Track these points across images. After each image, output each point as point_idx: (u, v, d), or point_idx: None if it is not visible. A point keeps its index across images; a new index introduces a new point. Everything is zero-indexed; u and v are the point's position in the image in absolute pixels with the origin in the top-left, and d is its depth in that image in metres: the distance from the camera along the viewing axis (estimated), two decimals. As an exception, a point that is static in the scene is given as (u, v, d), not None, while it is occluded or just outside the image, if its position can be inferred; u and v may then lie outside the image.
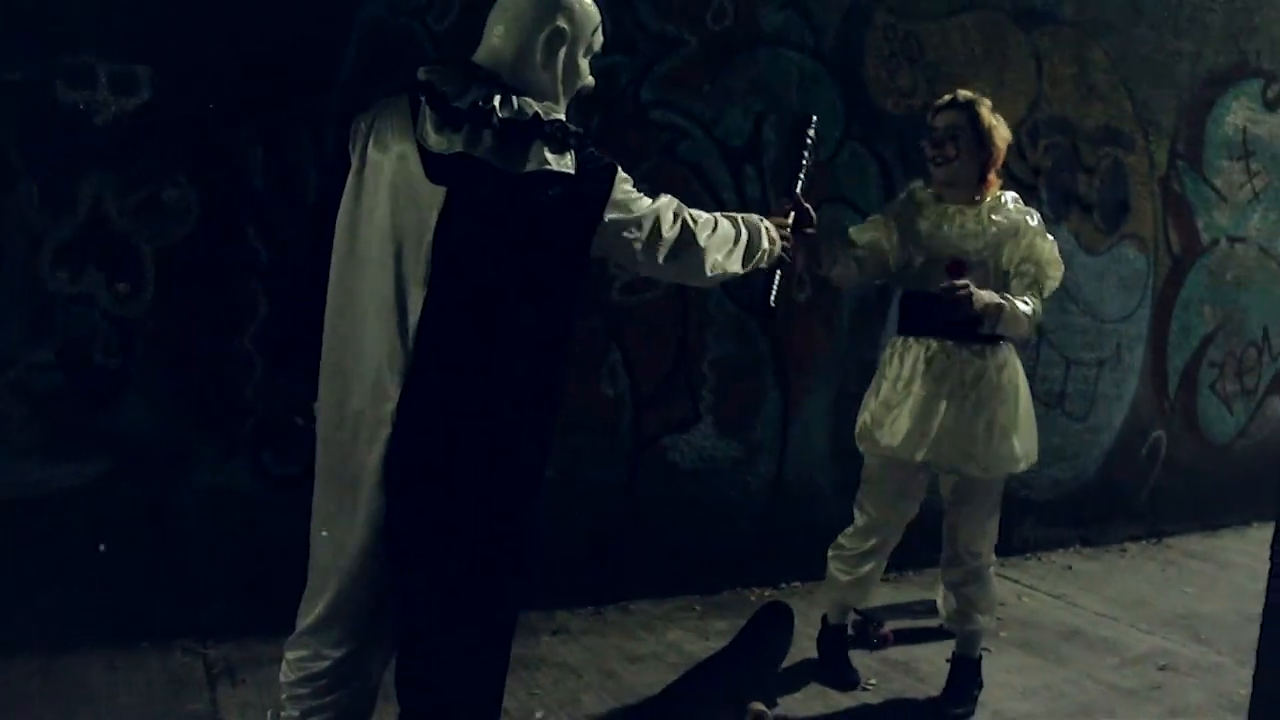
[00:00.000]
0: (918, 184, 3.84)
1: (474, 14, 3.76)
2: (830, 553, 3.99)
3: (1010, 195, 3.72)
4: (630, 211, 2.55)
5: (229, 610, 3.98)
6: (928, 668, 4.12)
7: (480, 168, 2.40)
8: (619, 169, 2.55)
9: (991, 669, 4.16)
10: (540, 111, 2.45)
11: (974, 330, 3.58)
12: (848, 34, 4.86)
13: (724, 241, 2.75)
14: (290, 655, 2.68)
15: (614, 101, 4.39)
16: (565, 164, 2.42)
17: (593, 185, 2.48)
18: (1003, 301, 3.50)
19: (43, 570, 3.76)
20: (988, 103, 3.68)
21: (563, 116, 2.53)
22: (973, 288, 3.42)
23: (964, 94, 3.69)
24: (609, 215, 2.50)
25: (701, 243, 2.67)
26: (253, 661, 3.81)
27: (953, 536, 3.83)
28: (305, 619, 2.67)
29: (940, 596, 3.99)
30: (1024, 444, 3.74)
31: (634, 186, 2.59)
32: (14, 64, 3.57)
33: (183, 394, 3.89)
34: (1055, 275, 3.74)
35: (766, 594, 4.84)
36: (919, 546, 4.23)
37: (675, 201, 2.67)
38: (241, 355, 3.94)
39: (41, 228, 3.67)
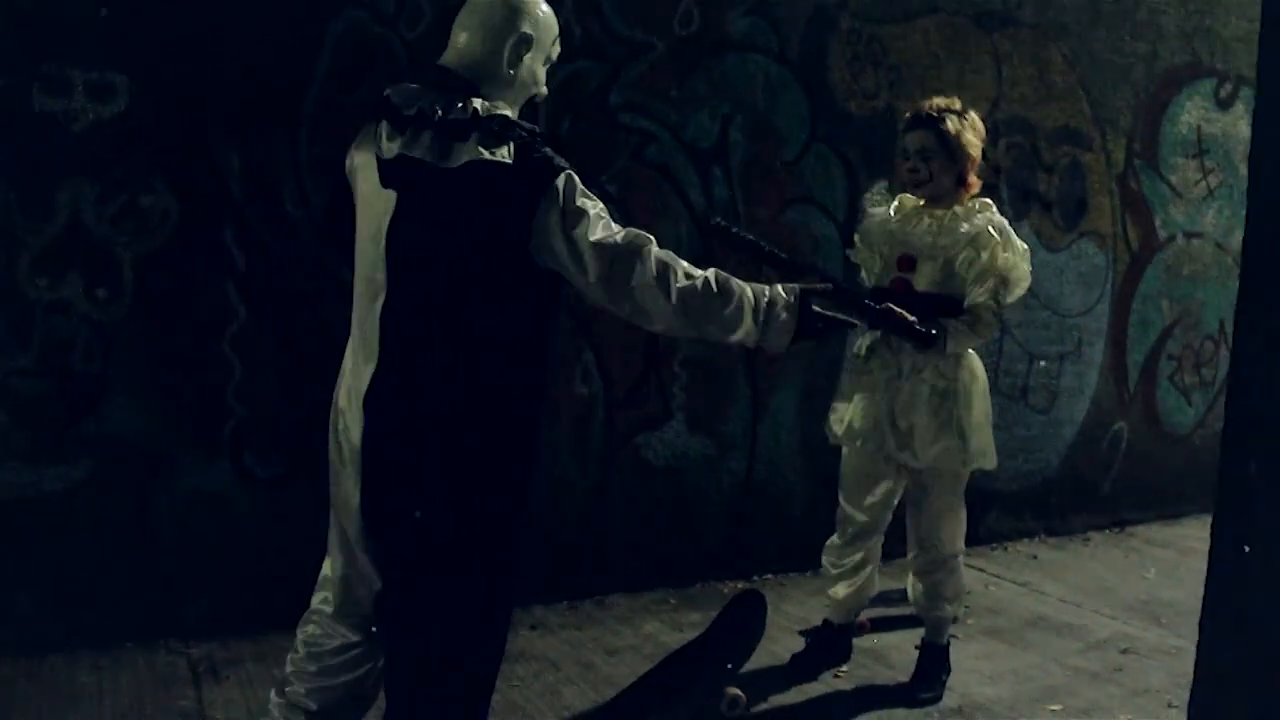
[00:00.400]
0: (901, 193, 3.90)
1: (444, 22, 3.87)
2: (824, 559, 4.09)
3: (983, 202, 3.78)
4: (577, 221, 2.40)
5: (212, 610, 4.04)
6: (898, 655, 4.22)
7: (419, 168, 2.45)
8: (569, 174, 2.43)
9: (959, 655, 4.27)
10: (479, 109, 2.46)
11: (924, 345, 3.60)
12: (812, 38, 4.96)
13: (707, 299, 2.52)
14: (301, 633, 2.73)
15: (583, 105, 4.49)
16: (501, 155, 2.40)
17: (529, 178, 2.39)
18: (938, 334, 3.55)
19: (29, 573, 3.81)
20: (955, 109, 3.70)
21: (509, 114, 2.53)
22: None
23: (929, 108, 3.71)
24: (550, 216, 2.39)
25: (671, 290, 2.48)
26: (236, 660, 3.88)
27: (916, 526, 3.92)
28: (317, 597, 2.72)
29: (909, 584, 4.08)
30: (980, 441, 3.79)
31: (608, 218, 2.48)
32: (-8, 74, 3.63)
33: (164, 397, 3.95)
34: (1020, 285, 3.77)
35: (739, 586, 4.91)
36: (889, 537, 4.33)
37: (653, 244, 2.49)
38: (221, 359, 4.00)
39: (20, 235, 3.73)
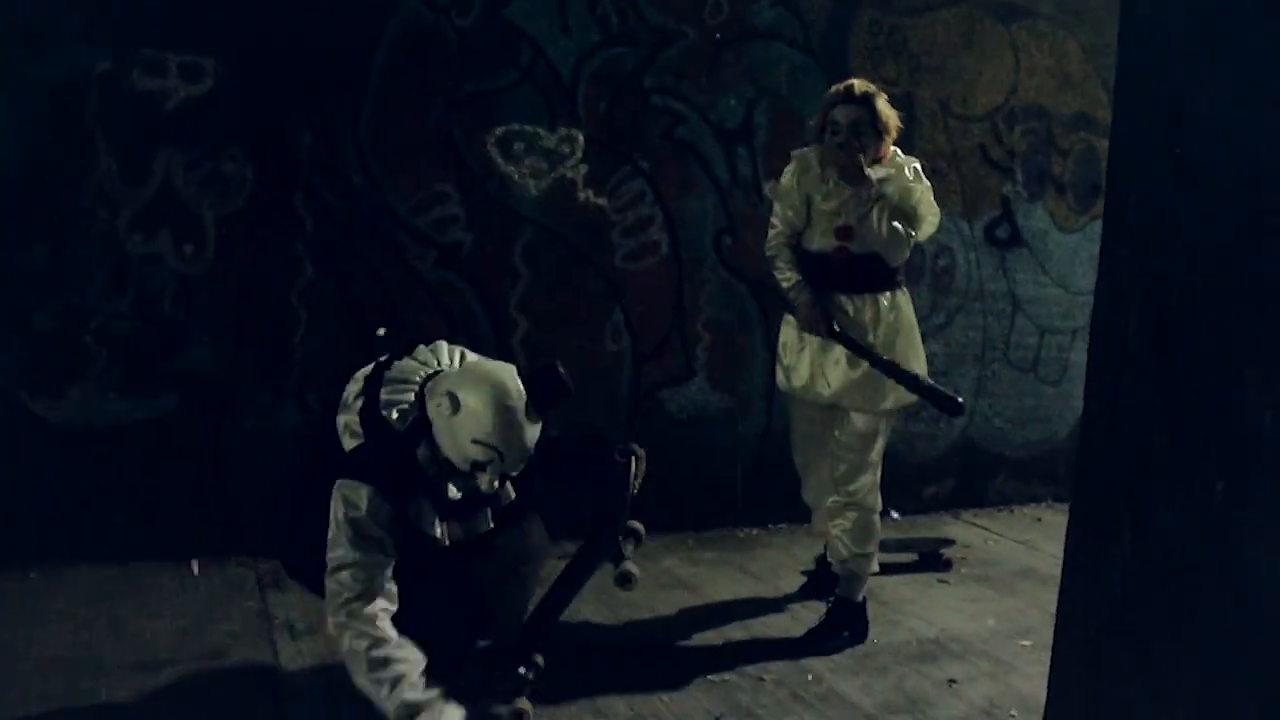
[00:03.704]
0: (808, 152, 4.08)
1: (493, 11, 4.42)
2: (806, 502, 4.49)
3: (899, 155, 4.00)
4: None
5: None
6: (889, 594, 4.62)
7: None
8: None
9: (948, 597, 4.69)
10: None
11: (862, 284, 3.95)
12: (834, 29, 5.35)
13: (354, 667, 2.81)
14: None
15: (619, 88, 4.94)
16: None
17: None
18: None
19: (122, 491, 4.37)
20: (883, 94, 3.97)
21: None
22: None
23: (860, 86, 3.92)
24: None
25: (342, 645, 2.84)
26: (297, 573, 4.41)
27: (835, 476, 4.15)
28: None
29: (830, 540, 4.26)
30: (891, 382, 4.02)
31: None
32: (100, 56, 4.17)
33: (239, 342, 4.49)
34: (930, 219, 4.01)
35: (754, 532, 5.38)
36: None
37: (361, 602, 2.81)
38: (289, 309, 4.53)
39: (120, 198, 4.28)
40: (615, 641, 4.02)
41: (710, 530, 5.34)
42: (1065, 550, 2.30)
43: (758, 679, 3.74)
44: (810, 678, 3.78)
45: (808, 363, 4.10)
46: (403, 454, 2.88)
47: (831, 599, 4.19)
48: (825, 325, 4.00)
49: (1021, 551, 5.43)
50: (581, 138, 4.90)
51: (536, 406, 2.94)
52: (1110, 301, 2.12)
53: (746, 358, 5.35)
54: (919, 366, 4.09)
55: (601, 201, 4.97)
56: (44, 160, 4.16)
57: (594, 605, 4.30)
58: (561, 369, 3.03)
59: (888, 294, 4.04)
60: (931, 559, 5.10)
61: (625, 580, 3.18)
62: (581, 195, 4.93)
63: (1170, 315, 1.93)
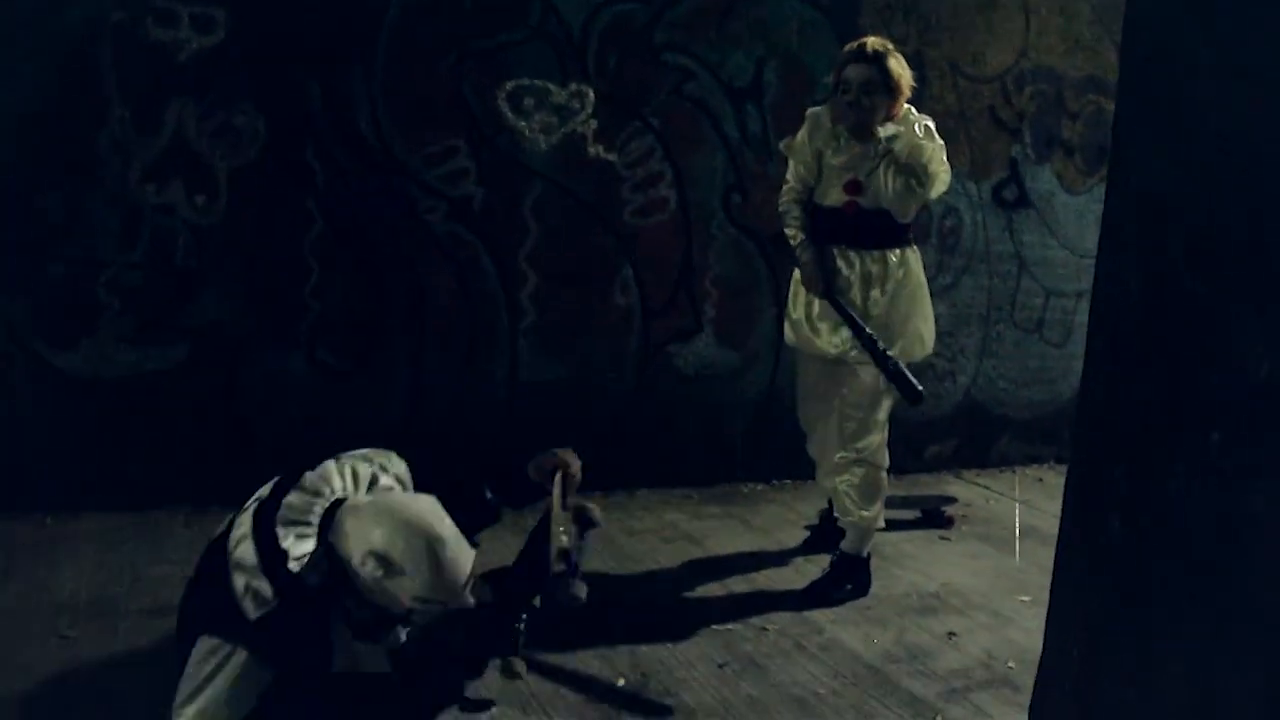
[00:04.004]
0: (820, 110, 4.10)
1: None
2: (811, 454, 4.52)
3: (911, 111, 4.01)
4: None
5: (288, 480, 4.63)
6: (891, 550, 4.68)
7: None
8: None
9: (949, 554, 4.75)
10: None
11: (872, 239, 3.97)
12: (845, -14, 5.36)
13: None
14: None
15: (629, 44, 4.94)
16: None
17: None
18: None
19: (135, 440, 4.43)
20: (896, 52, 3.96)
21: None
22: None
23: (872, 45, 3.92)
24: None
25: None
26: (308, 522, 4.47)
27: (840, 431, 4.15)
28: None
29: (833, 489, 4.27)
30: (915, 336, 4.10)
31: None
32: (114, 6, 4.18)
33: (250, 293, 4.53)
34: (942, 176, 3.99)
35: (758, 488, 5.43)
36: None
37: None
38: (300, 261, 4.56)
39: (132, 148, 4.30)
40: (620, 592, 4.08)
41: (714, 485, 5.39)
42: (1063, 501, 2.34)
43: (761, 629, 3.80)
44: (813, 628, 3.84)
45: (815, 318, 4.13)
46: (321, 619, 2.55)
47: (836, 553, 4.24)
48: (823, 286, 4.04)
49: (1022, 510, 5.48)
50: (591, 93, 4.91)
51: (470, 539, 2.67)
52: (1112, 254, 2.16)
53: (754, 315, 5.39)
54: (926, 326, 4.14)
55: (611, 157, 4.98)
56: (58, 110, 4.18)
57: (599, 557, 4.36)
58: (490, 493, 2.98)
59: (897, 251, 4.06)
60: (933, 516, 5.16)
61: (511, 675, 3.01)
62: (591, 151, 4.94)
63: (1170, 268, 1.96)
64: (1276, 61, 1.84)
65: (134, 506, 4.40)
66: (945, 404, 6.02)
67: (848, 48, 4.01)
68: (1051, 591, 2.38)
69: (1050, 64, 5.98)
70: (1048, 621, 2.40)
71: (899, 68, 3.92)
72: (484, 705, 3.03)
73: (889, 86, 3.89)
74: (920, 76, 5.32)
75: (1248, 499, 1.92)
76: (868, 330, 3.98)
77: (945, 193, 4.24)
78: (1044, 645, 2.40)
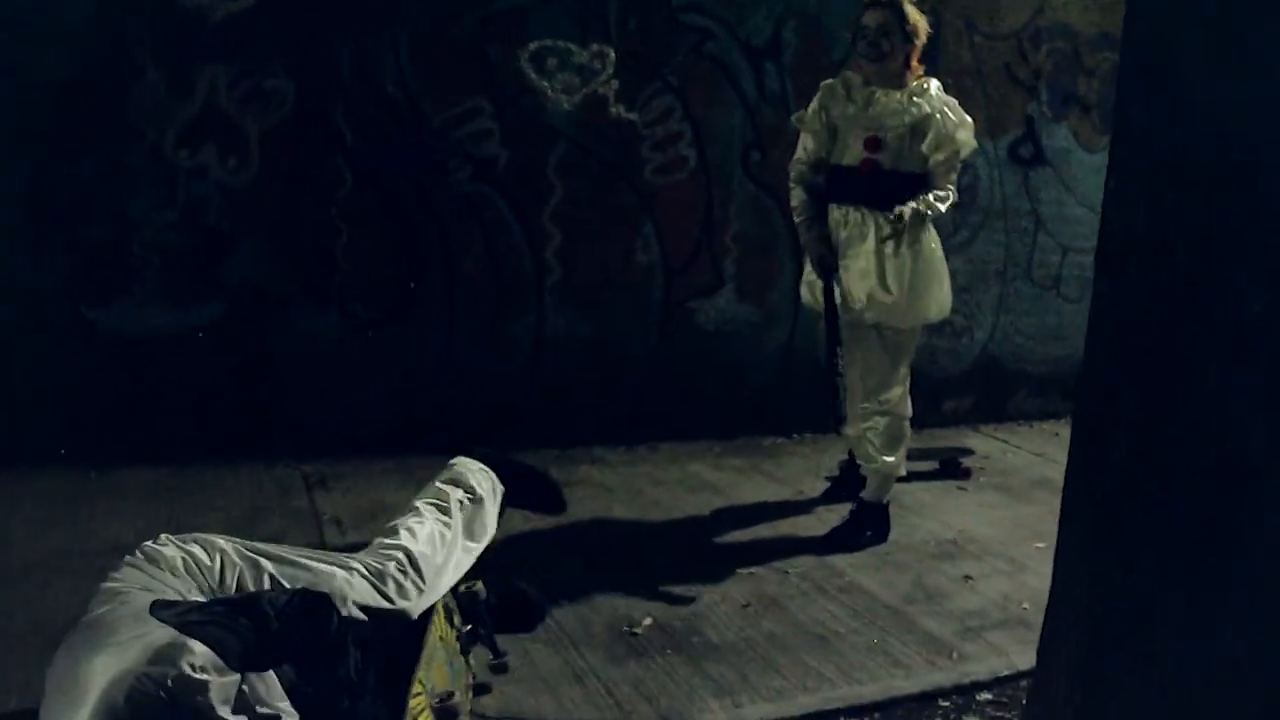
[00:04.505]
0: (834, 80, 4.18)
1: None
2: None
3: (934, 83, 4.11)
4: None
5: (320, 434, 4.77)
6: (909, 499, 4.79)
7: None
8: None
9: (966, 503, 4.86)
10: None
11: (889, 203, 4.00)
12: (864, -56, 5.39)
13: None
14: None
15: (649, 4, 5.02)
16: None
17: None
18: (914, 210, 3.93)
19: (172, 395, 4.57)
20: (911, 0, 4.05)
21: None
22: (906, 214, 3.87)
23: None
24: None
25: None
26: (340, 475, 4.61)
27: (864, 383, 4.24)
28: None
29: (856, 439, 4.38)
30: (933, 298, 4.16)
31: None
32: (147, -28, 4.29)
33: (283, 252, 4.65)
34: (968, 142, 4.07)
35: (779, 441, 5.54)
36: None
37: None
38: (330, 220, 4.67)
39: (167, 112, 4.41)
40: (645, 538, 4.20)
41: (736, 439, 5.50)
42: (1071, 435, 2.43)
43: (783, 572, 3.92)
44: (833, 572, 3.96)
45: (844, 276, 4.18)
46: None
47: (856, 501, 4.36)
48: (819, 264, 4.14)
49: (1038, 463, 5.58)
50: (613, 54, 5.00)
51: None
52: (1117, 196, 2.24)
53: (774, 271, 5.48)
54: (941, 290, 4.19)
55: (632, 116, 5.07)
56: (93, 75, 4.28)
57: (624, 505, 4.49)
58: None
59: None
60: (951, 467, 5.26)
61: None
62: (613, 110, 5.04)
63: (1172, 209, 2.05)
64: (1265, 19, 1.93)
65: (173, 460, 4.53)
66: (963, 359, 6.11)
67: None
68: (1060, 524, 2.47)
69: (1067, 21, 6.03)
70: (1056, 553, 2.50)
71: (915, 12, 3.99)
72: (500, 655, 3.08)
73: (905, 30, 3.97)
74: (936, 35, 5.39)
75: (1244, 427, 2.02)
76: (838, 331, 4.11)
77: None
78: (1053, 576, 2.50)
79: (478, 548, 3.01)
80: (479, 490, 3.11)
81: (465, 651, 2.88)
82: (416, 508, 3.02)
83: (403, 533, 2.89)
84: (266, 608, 2.32)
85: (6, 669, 2.89)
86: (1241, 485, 2.05)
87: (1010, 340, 6.23)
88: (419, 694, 2.47)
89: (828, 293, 4.15)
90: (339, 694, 2.35)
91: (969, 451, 5.52)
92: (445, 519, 2.99)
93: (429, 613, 2.74)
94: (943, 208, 4.01)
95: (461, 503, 3.06)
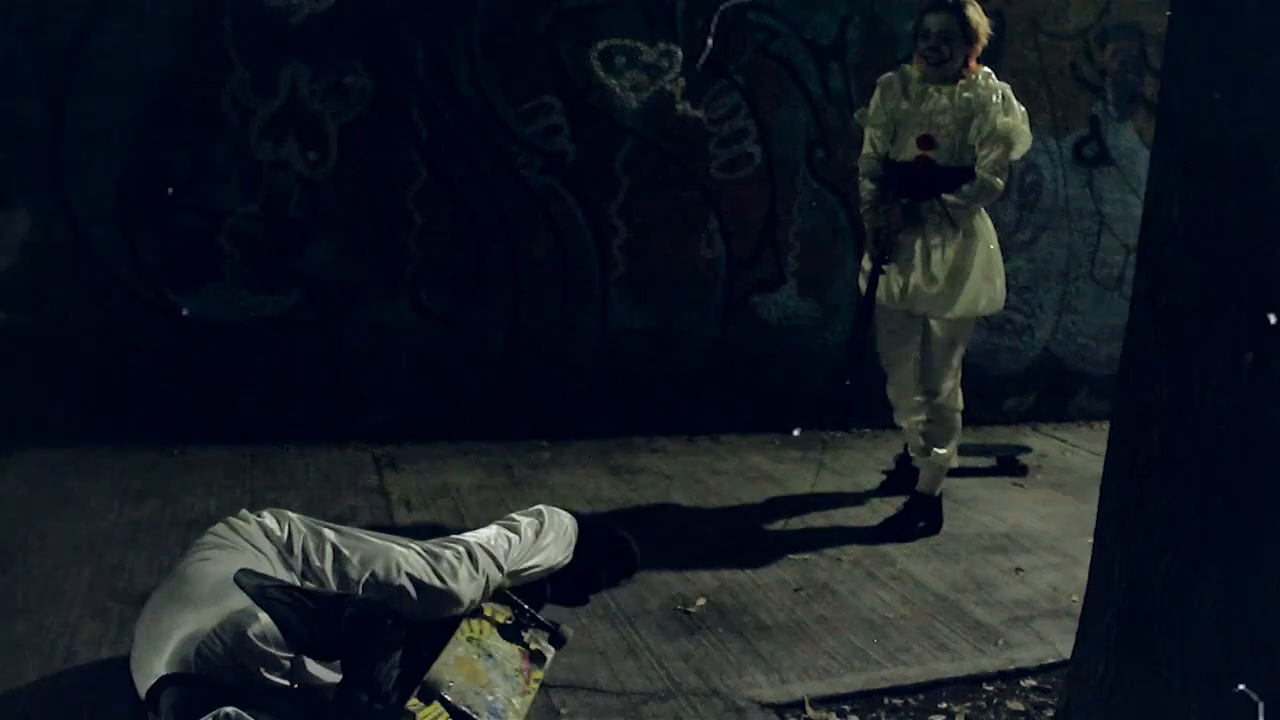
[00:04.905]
0: (892, 74, 4.25)
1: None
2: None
3: (984, 71, 4.11)
4: None
5: (390, 418, 4.96)
6: (962, 492, 4.86)
7: None
8: None
9: (1022, 500, 4.92)
10: None
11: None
12: (929, -55, 5.46)
13: None
14: None
15: (717, 4, 5.12)
16: None
17: None
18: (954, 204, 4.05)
19: (250, 379, 4.77)
20: (974, 1, 4.08)
21: None
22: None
23: None
24: None
25: None
26: (409, 457, 4.79)
27: (917, 375, 4.35)
28: None
29: (909, 432, 4.50)
30: (980, 292, 4.20)
31: None
32: (235, -27, 4.49)
33: (358, 242, 4.83)
34: (1021, 145, 4.10)
35: (838, 435, 5.63)
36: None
37: None
38: (404, 212, 4.85)
39: (251, 107, 4.61)
40: (703, 523, 4.32)
41: (795, 432, 5.59)
42: (1111, 420, 2.52)
43: (835, 559, 4.02)
44: (885, 560, 4.05)
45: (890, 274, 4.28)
46: None
47: (910, 493, 4.44)
48: (877, 254, 4.22)
49: (1096, 463, 5.37)
50: (680, 52, 5.12)
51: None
52: (1156, 188, 2.33)
53: (835, 266, 5.56)
54: (988, 284, 4.21)
55: (698, 114, 5.19)
56: (185, 73, 4.50)
57: (683, 492, 4.61)
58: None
59: None
60: (1008, 464, 5.31)
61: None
62: (679, 108, 5.16)
63: (1209, 198, 2.13)
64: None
65: (250, 439, 4.75)
66: (1024, 358, 6.14)
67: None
68: (1099, 508, 2.56)
69: (1134, 20, 6.03)
70: (1095, 536, 2.58)
71: (977, 15, 4.05)
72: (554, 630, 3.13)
73: (966, 34, 4.03)
74: (1001, 34, 5.46)
75: (1275, 414, 2.10)
76: (863, 328, 4.29)
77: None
78: (1091, 559, 2.58)
79: (537, 566, 3.21)
80: (549, 523, 3.32)
81: (512, 638, 3.01)
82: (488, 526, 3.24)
83: (467, 534, 3.12)
84: (341, 608, 2.54)
85: (91, 632, 3.07)
86: (1270, 470, 2.13)
87: (1072, 340, 6.25)
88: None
89: (872, 276, 4.24)
90: (364, 690, 2.52)
91: (1027, 449, 5.57)
92: (511, 535, 3.19)
93: (455, 621, 2.92)
94: (974, 195, 4.05)
95: (531, 526, 3.27)
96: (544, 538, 3.27)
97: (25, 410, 4.51)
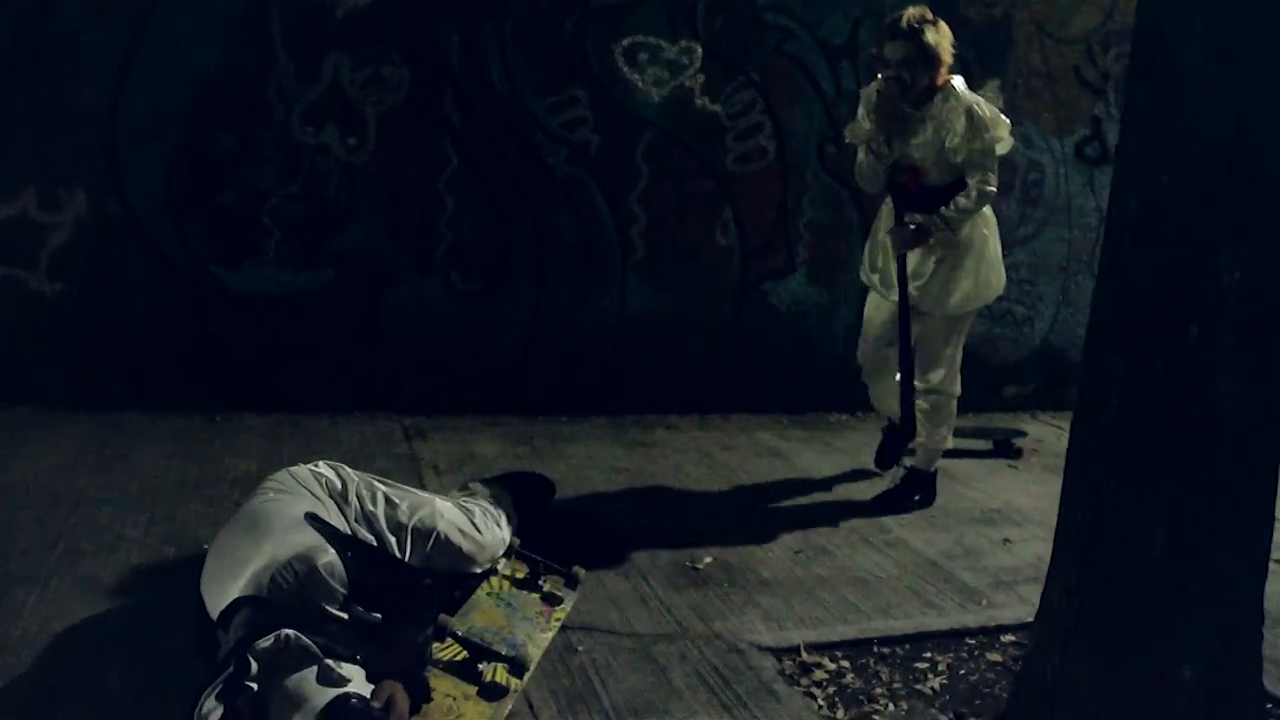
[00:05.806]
0: (870, 86, 4.33)
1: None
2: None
3: (953, 88, 4.16)
4: None
5: (420, 390, 5.25)
6: (958, 470, 5.11)
7: None
8: None
9: (1015, 479, 5.17)
10: None
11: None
12: (939, -48, 5.71)
13: None
14: None
15: (733, 5, 5.41)
16: None
17: None
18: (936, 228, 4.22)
19: (287, 351, 5.07)
20: (929, 18, 4.11)
21: None
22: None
23: (908, 18, 4.10)
24: None
25: None
26: (438, 427, 5.08)
27: (918, 360, 4.48)
28: None
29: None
30: (977, 285, 4.35)
31: None
32: (281, -31, 4.79)
33: (392, 224, 5.13)
34: (1003, 144, 4.18)
35: (843, 418, 5.90)
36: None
37: None
38: (436, 196, 5.14)
39: (294, 94, 4.90)
40: (711, 493, 4.60)
41: (803, 413, 5.87)
42: (1077, 389, 2.79)
43: (834, 527, 4.29)
44: (881, 529, 4.32)
45: (884, 258, 4.49)
46: None
47: (906, 467, 4.71)
48: (900, 270, 4.34)
49: None
50: (700, 50, 5.39)
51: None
52: (1119, 180, 2.59)
53: (843, 257, 5.83)
54: (978, 277, 4.36)
55: (716, 109, 5.47)
56: (233, 61, 4.80)
57: (695, 465, 4.89)
58: None
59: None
60: (1004, 446, 5.56)
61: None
62: (698, 102, 5.44)
63: (1165, 189, 2.39)
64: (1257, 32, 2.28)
65: (287, 408, 5.04)
66: (1024, 348, 6.40)
67: (887, 21, 4.24)
68: (1064, 470, 2.83)
69: (1137, 27, 6.24)
70: (1061, 495, 2.86)
71: (935, 37, 4.10)
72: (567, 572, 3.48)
73: (927, 58, 4.10)
74: (1007, 38, 5.72)
75: (1217, 383, 2.37)
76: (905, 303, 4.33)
77: (1026, 149, 4.52)
78: (1058, 514, 2.86)
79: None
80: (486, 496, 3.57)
81: (530, 588, 3.33)
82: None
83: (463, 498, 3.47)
84: (402, 571, 2.94)
85: (149, 573, 3.37)
86: (1214, 434, 2.40)
87: (1071, 332, 6.48)
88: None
89: (901, 289, 4.36)
90: (399, 629, 2.78)
91: (1023, 434, 5.81)
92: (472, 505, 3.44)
93: (478, 579, 3.27)
94: (969, 206, 4.19)
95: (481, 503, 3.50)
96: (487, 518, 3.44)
97: (79, 376, 4.82)
